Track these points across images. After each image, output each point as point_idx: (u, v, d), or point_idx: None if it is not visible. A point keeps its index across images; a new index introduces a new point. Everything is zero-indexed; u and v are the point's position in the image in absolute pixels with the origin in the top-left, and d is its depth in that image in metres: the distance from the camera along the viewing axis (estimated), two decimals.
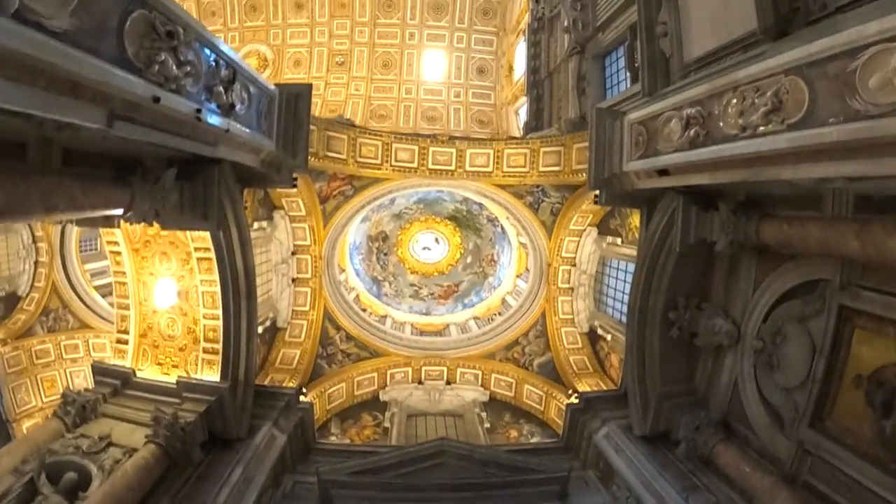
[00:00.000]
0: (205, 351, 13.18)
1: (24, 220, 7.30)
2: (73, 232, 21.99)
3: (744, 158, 8.16)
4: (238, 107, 9.49)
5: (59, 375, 21.86)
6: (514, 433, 19.17)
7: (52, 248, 21.63)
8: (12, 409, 20.81)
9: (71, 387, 19.96)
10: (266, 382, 17.01)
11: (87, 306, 22.47)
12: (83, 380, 21.08)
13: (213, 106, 8.63)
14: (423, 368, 20.89)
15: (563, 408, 16.82)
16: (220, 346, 13.00)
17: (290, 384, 17.06)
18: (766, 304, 11.26)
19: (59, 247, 21.79)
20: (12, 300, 21.29)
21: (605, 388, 17.63)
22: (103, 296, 22.47)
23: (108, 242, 13.43)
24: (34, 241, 21.34)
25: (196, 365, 13.24)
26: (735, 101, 8.15)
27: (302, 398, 16.17)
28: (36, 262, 21.55)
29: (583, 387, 17.69)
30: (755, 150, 7.72)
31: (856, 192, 8.76)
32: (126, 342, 13.80)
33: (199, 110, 7.93)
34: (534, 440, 18.43)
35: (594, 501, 13.56)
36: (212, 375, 13.04)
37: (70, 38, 5.27)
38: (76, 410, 11.76)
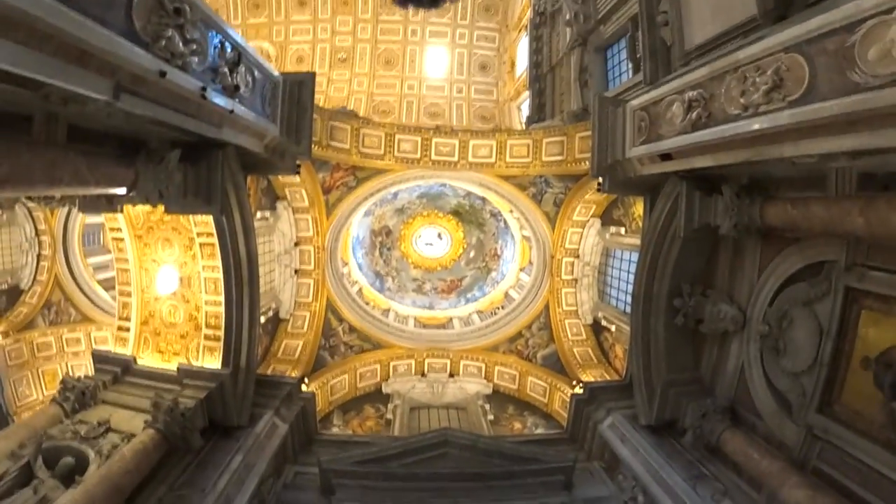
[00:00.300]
0: (206, 338, 13.17)
1: (28, 191, 7.24)
2: (76, 225, 21.96)
3: (746, 138, 8.22)
4: (242, 89, 9.52)
5: (60, 368, 21.76)
6: (517, 425, 19.10)
7: (55, 241, 21.58)
8: (13, 402, 20.77)
9: None
10: (268, 373, 16.94)
11: (90, 299, 22.38)
12: (84, 373, 21.05)
13: (217, 86, 8.66)
14: (427, 361, 20.82)
15: (568, 399, 16.76)
16: (221, 333, 12.98)
17: (293, 374, 16.97)
18: (772, 289, 11.22)
19: (61, 240, 21.74)
20: (14, 293, 21.25)
21: (609, 378, 17.56)
22: (106, 289, 22.44)
23: (111, 229, 13.47)
24: (37, 234, 21.32)
25: (197, 352, 13.23)
26: (736, 81, 8.22)
27: (304, 388, 16.17)
28: (38, 255, 21.48)
29: (587, 378, 17.56)
30: (757, 129, 7.78)
31: (858, 171, 8.78)
32: (127, 329, 13.83)
33: (204, 88, 7.98)
34: (538, 432, 18.36)
35: (600, 492, 13.51)
36: (213, 362, 13.03)
37: (79, 5, 5.32)
38: (75, 396, 11.76)
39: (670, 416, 13.40)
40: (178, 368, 12.68)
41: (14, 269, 21.27)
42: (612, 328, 18.49)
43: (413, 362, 20.79)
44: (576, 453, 14.48)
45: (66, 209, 21.00)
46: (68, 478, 9.65)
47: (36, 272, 21.53)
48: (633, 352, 14.19)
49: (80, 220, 21.91)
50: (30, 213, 20.87)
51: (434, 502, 12.41)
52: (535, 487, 13.03)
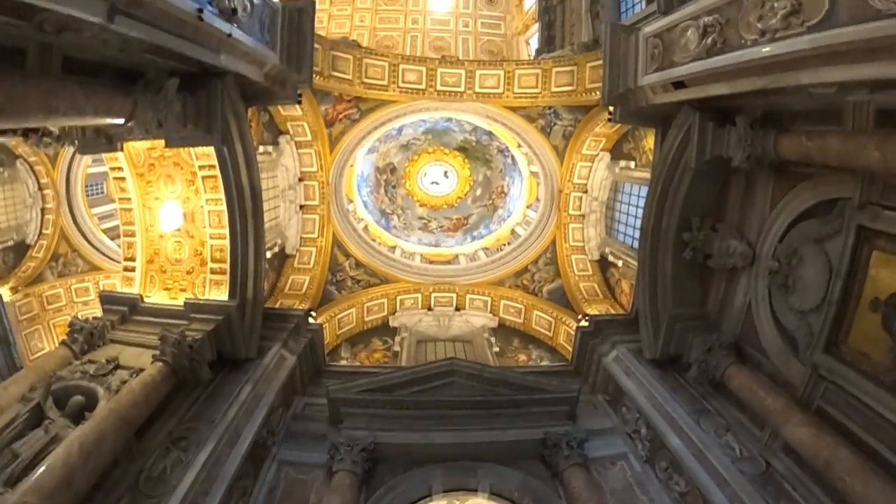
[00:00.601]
0: (212, 272, 13.18)
1: (23, 121, 7.07)
2: (79, 176, 21.83)
3: (763, 64, 8.04)
4: (240, 13, 9.25)
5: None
6: (523, 357, 19.33)
7: (59, 194, 21.46)
8: (26, 356, 20.77)
9: None
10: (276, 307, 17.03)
11: (96, 249, 22.42)
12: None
13: (214, 10, 8.43)
14: (433, 295, 20.89)
15: (573, 333, 16.88)
16: (227, 266, 12.97)
17: (300, 308, 17.05)
18: (783, 225, 11.03)
19: (65, 192, 21.61)
20: (21, 248, 21.25)
21: (615, 313, 17.51)
22: (112, 238, 22.35)
23: (112, 169, 13.27)
24: (40, 189, 21.20)
25: (204, 287, 13.25)
26: (753, 5, 8.01)
27: (311, 321, 16.28)
28: (43, 209, 21.41)
29: (592, 312, 17.48)
30: (774, 54, 7.58)
31: (876, 106, 8.49)
32: (133, 269, 13.79)
33: (200, 10, 7.76)
34: (543, 364, 18.57)
35: (603, 424, 13.79)
36: (220, 296, 13.06)
37: None
38: (84, 338, 11.76)
39: (675, 351, 13.50)
40: (184, 303, 12.69)
41: (19, 225, 21.20)
42: (619, 264, 18.39)
43: (419, 296, 20.88)
44: (580, 385, 14.62)
45: (67, 162, 20.86)
46: (78, 416, 9.72)
47: (41, 226, 21.49)
48: (639, 286, 14.18)
49: (83, 170, 21.81)
50: (31, 167, 20.72)
51: (440, 429, 12.66)
52: (539, 416, 13.26)
